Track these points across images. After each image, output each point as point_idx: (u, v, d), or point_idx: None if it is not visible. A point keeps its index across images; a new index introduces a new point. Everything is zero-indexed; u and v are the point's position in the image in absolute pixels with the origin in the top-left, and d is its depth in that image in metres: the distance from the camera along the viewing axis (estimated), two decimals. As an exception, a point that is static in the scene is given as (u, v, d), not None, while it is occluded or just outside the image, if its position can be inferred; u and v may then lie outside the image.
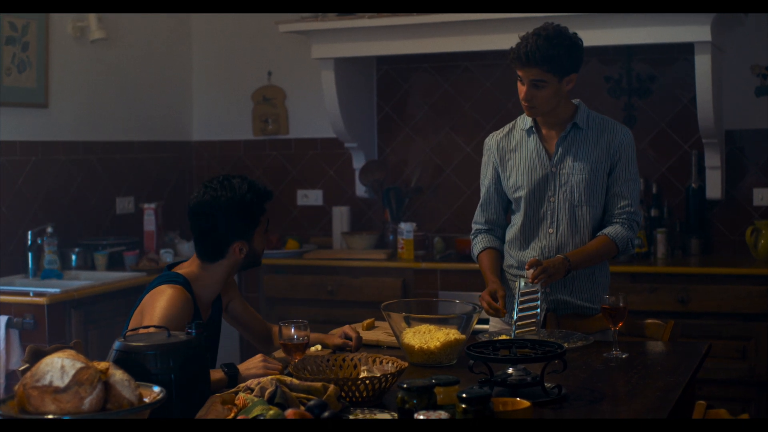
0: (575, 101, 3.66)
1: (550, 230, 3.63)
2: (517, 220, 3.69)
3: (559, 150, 3.61)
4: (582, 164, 3.59)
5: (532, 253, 3.65)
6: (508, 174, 3.68)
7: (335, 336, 3.44)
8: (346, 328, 3.45)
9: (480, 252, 3.75)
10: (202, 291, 3.24)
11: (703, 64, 5.02)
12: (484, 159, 3.78)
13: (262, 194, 3.25)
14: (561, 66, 3.49)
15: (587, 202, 3.61)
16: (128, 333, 2.57)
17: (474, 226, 3.82)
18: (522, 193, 3.64)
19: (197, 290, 3.22)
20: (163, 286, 3.13)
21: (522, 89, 3.54)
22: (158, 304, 3.06)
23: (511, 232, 3.73)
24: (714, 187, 5.36)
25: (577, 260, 3.52)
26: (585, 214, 3.61)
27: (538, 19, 5.10)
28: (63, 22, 5.43)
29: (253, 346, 3.71)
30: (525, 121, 3.69)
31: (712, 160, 5.32)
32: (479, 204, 3.79)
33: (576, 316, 3.65)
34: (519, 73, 3.53)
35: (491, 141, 3.76)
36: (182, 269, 3.26)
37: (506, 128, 3.76)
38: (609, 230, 3.60)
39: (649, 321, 3.69)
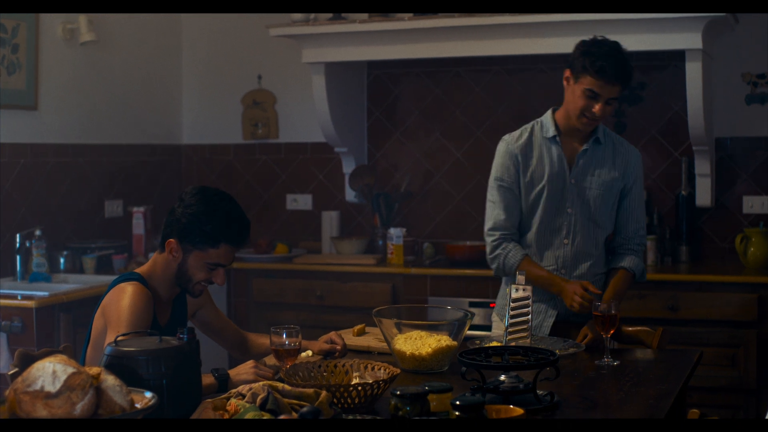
0: None
1: (566, 241, 3.65)
2: (531, 228, 3.69)
3: (580, 162, 3.64)
4: (599, 180, 3.64)
5: (546, 263, 3.65)
6: (529, 179, 3.66)
7: (320, 342, 3.41)
8: (332, 335, 3.42)
9: (519, 261, 3.61)
10: (157, 288, 3.19)
11: (693, 71, 5.02)
12: (503, 162, 3.68)
13: (225, 231, 3.10)
14: (630, 83, 3.58)
15: (601, 216, 3.66)
16: (120, 337, 2.55)
17: (497, 233, 3.67)
18: (541, 201, 3.64)
19: (153, 287, 3.17)
20: (123, 284, 3.11)
21: (593, 104, 3.51)
22: (122, 302, 3.03)
23: (523, 242, 3.72)
24: (704, 195, 5.37)
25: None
26: (598, 227, 3.67)
27: (529, 25, 5.12)
28: (53, 24, 5.41)
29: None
30: (547, 128, 3.67)
31: (703, 167, 5.32)
32: (502, 208, 3.66)
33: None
34: (597, 90, 3.50)
35: (513, 145, 3.68)
36: (140, 267, 3.25)
37: (524, 134, 3.71)
38: (628, 264, 3.68)
39: (639, 328, 3.69)
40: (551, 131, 3.65)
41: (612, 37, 4.69)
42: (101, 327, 3.12)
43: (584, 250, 3.66)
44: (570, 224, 3.64)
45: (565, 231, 3.64)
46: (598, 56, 3.48)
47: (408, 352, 3.14)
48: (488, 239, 3.69)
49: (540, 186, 3.63)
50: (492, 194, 3.71)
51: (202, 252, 3.12)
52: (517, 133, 3.73)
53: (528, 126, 3.74)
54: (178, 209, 3.15)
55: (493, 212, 3.68)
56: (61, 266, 5.30)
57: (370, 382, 2.67)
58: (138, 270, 3.22)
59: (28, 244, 5.07)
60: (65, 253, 5.33)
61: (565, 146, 3.66)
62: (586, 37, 5.27)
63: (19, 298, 4.56)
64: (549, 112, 3.72)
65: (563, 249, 3.65)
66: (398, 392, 2.36)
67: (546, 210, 3.64)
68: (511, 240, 3.66)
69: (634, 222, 3.70)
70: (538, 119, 3.74)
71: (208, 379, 2.87)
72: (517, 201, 3.66)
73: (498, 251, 3.66)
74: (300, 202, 6.31)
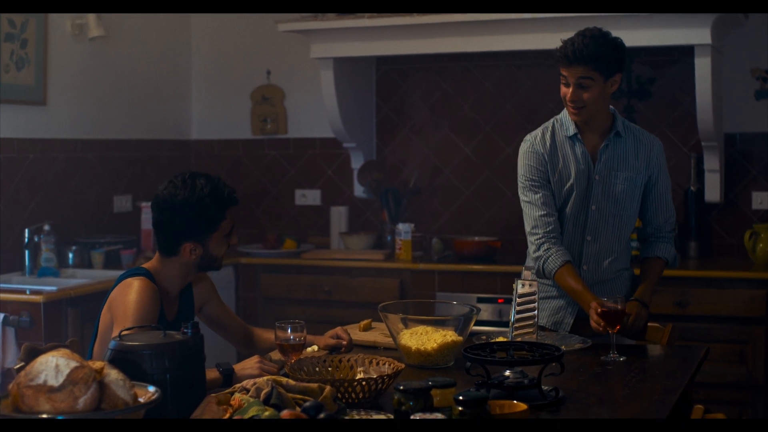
0: (611, 108, 3.65)
1: (589, 237, 3.62)
2: None
3: (603, 158, 3.60)
4: (623, 174, 3.61)
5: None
6: (557, 178, 3.62)
7: (326, 337, 3.41)
8: (338, 330, 3.42)
9: (558, 268, 3.53)
10: (164, 283, 3.21)
11: (703, 66, 5.00)
12: (530, 162, 3.63)
13: (223, 200, 3.18)
14: (607, 64, 3.48)
15: (626, 212, 3.64)
16: (124, 332, 2.56)
17: (539, 231, 3.57)
18: (570, 199, 3.62)
19: (160, 282, 3.19)
20: (129, 279, 3.12)
21: (567, 91, 3.51)
22: (129, 297, 3.05)
23: None
24: (713, 191, 5.35)
25: (649, 296, 3.60)
26: (623, 223, 3.65)
27: (538, 20, 5.11)
28: (62, 20, 5.42)
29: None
30: (567, 127, 3.63)
31: (712, 163, 5.31)
32: (540, 204, 3.59)
33: None
34: (564, 72, 3.50)
35: (538, 145, 3.63)
36: (147, 262, 3.26)
37: (546, 133, 3.66)
38: (663, 252, 3.69)
39: (648, 324, 3.68)
40: (571, 129, 3.61)
41: (620, 33, 4.71)
42: (108, 322, 3.13)
43: (607, 247, 3.64)
44: (595, 220, 3.62)
45: (589, 227, 3.62)
46: (565, 44, 3.51)
47: (413, 348, 3.14)
48: (531, 239, 3.61)
49: (569, 184, 3.60)
50: (526, 195, 3.63)
51: (217, 231, 3.18)
52: (538, 132, 3.67)
53: (548, 124, 3.69)
54: (173, 217, 3.15)
55: (531, 211, 3.61)
56: (70, 261, 5.31)
57: (375, 377, 2.66)
58: (145, 265, 3.23)
59: (36, 239, 5.08)
60: (74, 248, 5.34)
61: (587, 142, 3.62)
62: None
63: (27, 292, 4.57)
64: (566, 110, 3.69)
65: (587, 247, 3.63)
66: (401, 387, 2.36)
67: (572, 206, 3.61)
68: (554, 242, 3.57)
69: (663, 211, 3.70)
70: (558, 116, 3.69)
71: (212, 374, 2.88)
72: (552, 195, 3.62)
73: (539, 252, 3.58)
74: (308, 197, 6.31)
